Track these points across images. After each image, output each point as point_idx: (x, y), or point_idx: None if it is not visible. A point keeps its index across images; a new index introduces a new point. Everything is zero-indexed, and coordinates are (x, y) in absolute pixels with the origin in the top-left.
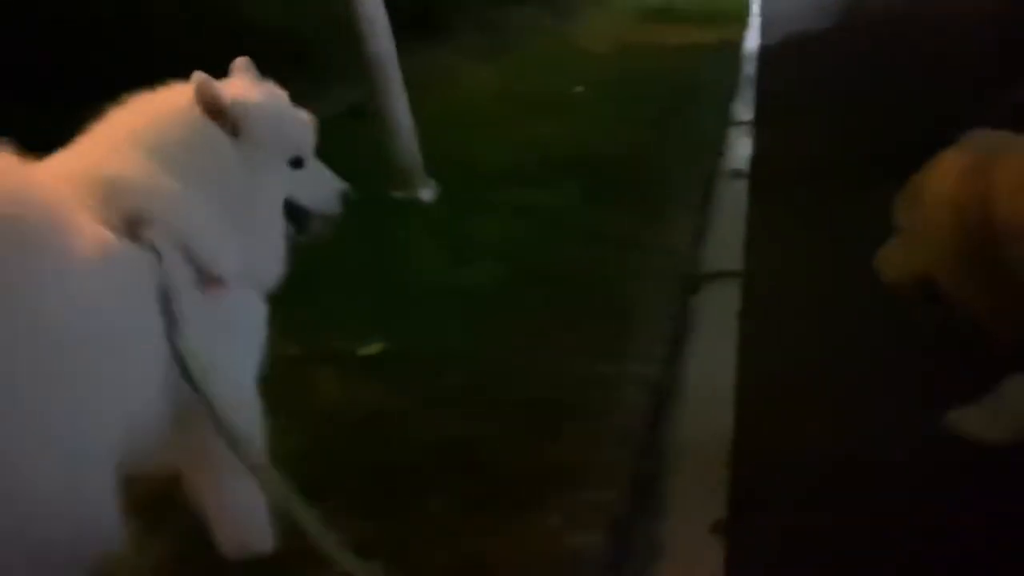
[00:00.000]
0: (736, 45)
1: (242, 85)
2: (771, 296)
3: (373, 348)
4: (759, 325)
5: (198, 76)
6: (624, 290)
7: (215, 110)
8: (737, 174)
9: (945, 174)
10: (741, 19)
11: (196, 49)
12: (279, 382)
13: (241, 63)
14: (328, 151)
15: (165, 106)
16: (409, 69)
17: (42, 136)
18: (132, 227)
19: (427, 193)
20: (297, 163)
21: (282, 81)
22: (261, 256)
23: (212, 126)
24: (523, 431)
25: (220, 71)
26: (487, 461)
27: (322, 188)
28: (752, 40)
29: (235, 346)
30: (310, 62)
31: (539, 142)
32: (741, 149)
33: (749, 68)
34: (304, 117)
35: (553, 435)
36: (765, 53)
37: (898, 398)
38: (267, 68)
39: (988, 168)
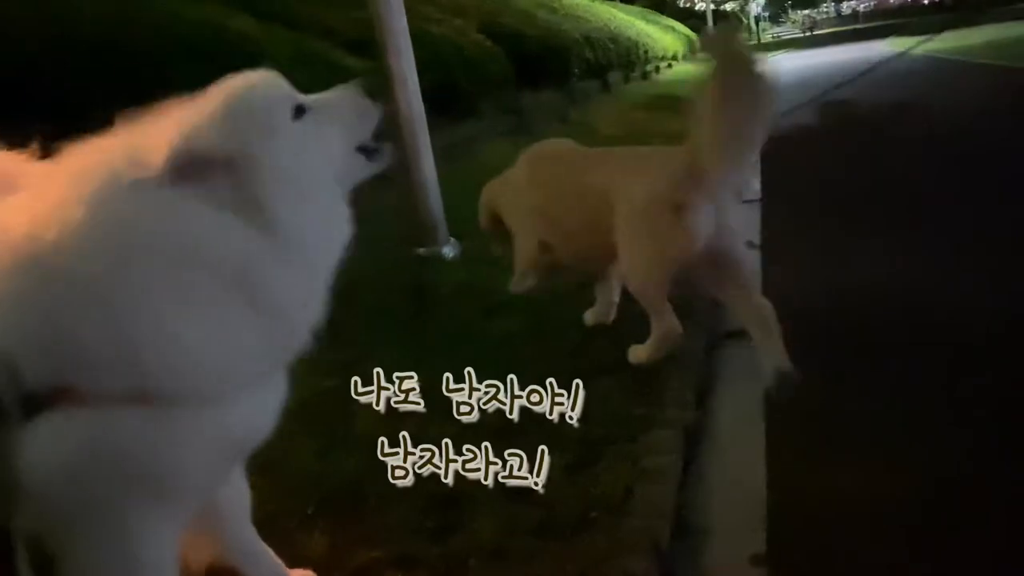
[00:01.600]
0: None
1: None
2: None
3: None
4: None
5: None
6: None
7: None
8: (750, 244)
9: (486, 187)
10: None
11: None
12: (321, 410)
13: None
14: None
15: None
16: (436, 142)
17: None
18: None
19: (449, 251)
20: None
21: None
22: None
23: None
24: (566, 462)
25: None
26: (533, 489)
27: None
28: None
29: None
30: None
31: None
32: (750, 223)
33: None
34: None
35: (596, 467)
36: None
37: (921, 434)
38: None
39: (499, 181)
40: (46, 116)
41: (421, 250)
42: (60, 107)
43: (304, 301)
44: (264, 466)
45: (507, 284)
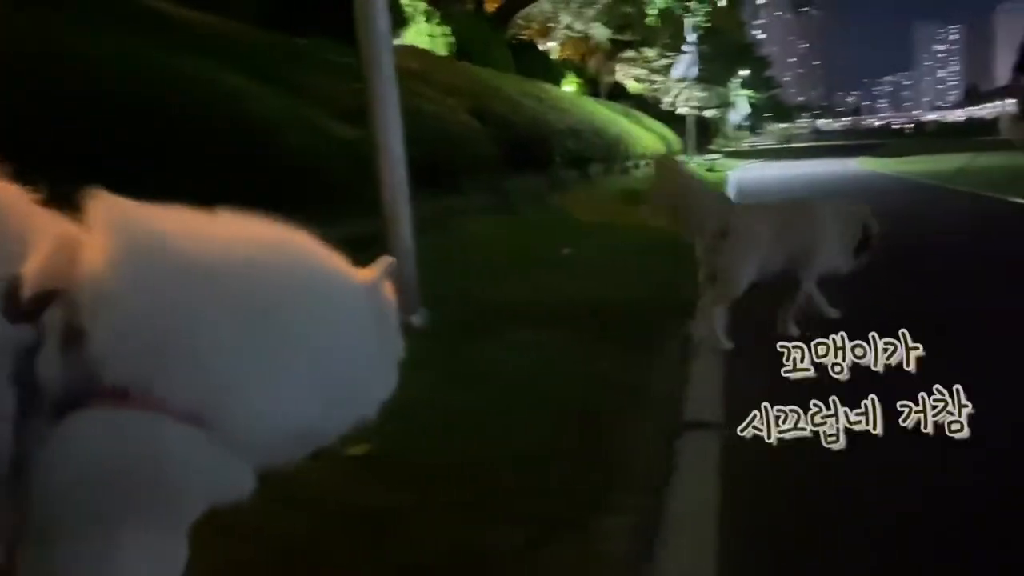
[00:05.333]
0: None
1: None
2: (748, 447)
3: (360, 448)
4: (738, 472)
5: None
6: (613, 425)
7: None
8: None
9: None
10: None
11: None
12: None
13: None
14: None
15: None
16: (416, 212)
17: None
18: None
19: (418, 319)
20: None
21: (303, 206)
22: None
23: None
24: (518, 541)
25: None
26: (483, 567)
27: None
28: None
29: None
30: (329, 191)
31: (531, 289)
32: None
33: None
34: None
35: (548, 549)
36: None
37: (883, 533)
38: (291, 196)
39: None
40: (45, 160)
41: None
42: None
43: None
44: (208, 518)
45: (478, 357)
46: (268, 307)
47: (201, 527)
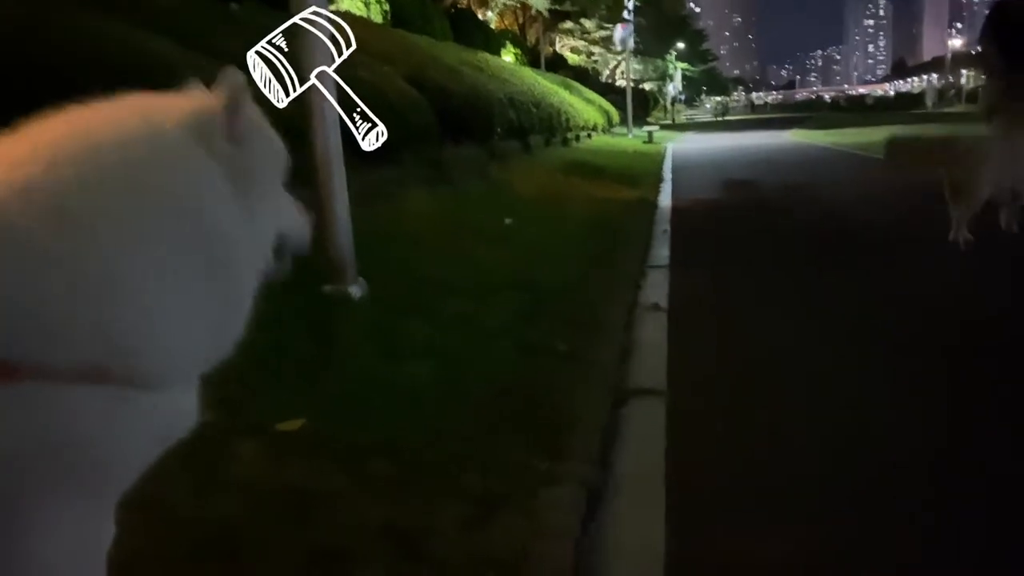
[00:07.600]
0: (652, 203)
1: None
2: (692, 412)
3: (293, 424)
4: (683, 438)
5: (227, 69)
6: (556, 396)
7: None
8: (656, 307)
9: None
10: (655, 183)
11: None
12: (197, 447)
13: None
14: None
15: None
16: (352, 183)
17: None
18: None
19: (356, 290)
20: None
21: None
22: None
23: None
24: (457, 519)
25: None
26: (420, 548)
27: (295, 211)
28: (665, 199)
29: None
30: None
31: (472, 261)
32: (658, 287)
33: (663, 223)
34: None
35: (489, 525)
36: (677, 210)
37: (821, 499)
38: None
39: None
40: None
41: (327, 287)
42: None
43: (252, 291)
44: (134, 500)
45: (416, 329)
46: (94, 221)
47: (127, 509)
